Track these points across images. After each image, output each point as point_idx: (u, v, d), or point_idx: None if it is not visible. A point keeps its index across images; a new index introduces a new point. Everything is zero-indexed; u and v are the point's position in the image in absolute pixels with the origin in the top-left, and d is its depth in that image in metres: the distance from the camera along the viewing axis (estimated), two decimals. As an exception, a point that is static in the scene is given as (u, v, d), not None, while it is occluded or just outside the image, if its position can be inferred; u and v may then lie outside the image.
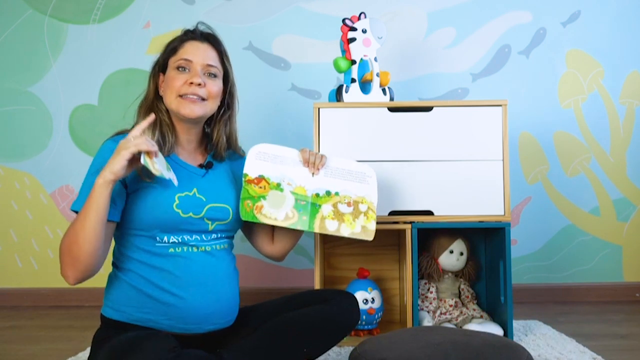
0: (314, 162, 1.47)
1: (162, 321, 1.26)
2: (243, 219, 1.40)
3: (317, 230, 1.43)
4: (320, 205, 1.43)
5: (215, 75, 1.39)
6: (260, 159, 1.44)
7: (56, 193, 2.58)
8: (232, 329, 1.39)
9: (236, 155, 1.52)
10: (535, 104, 2.52)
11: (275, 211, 1.40)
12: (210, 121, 1.46)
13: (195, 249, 1.31)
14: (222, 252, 1.37)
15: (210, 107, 1.39)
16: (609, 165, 2.53)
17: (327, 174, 1.47)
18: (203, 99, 1.36)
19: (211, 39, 1.41)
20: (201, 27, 1.44)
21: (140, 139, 1.17)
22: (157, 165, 1.19)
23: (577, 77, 2.53)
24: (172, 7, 2.56)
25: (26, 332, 2.08)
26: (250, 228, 1.53)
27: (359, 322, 1.87)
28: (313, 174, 1.45)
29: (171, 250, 1.29)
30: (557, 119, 2.52)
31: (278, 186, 1.41)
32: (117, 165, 1.15)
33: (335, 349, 1.73)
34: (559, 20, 2.53)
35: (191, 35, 1.40)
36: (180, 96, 1.34)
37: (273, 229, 1.53)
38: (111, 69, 2.56)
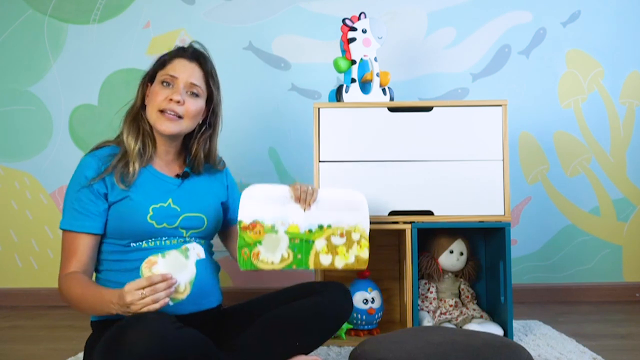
0: (304, 198, 1.45)
1: None
2: (242, 268, 1.41)
3: (312, 266, 1.43)
4: (313, 241, 1.43)
5: (197, 95, 1.41)
6: (253, 202, 1.42)
7: (56, 193, 2.58)
8: (222, 327, 1.40)
9: (214, 170, 1.54)
10: (535, 104, 2.52)
11: (272, 255, 1.41)
12: (190, 136, 1.48)
13: (168, 242, 1.36)
14: (197, 240, 1.41)
15: (186, 126, 1.41)
16: (609, 165, 2.53)
17: (318, 207, 1.45)
18: (180, 117, 1.38)
19: (200, 59, 1.43)
20: (195, 46, 1.46)
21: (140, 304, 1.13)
22: (183, 279, 1.19)
23: (577, 77, 2.53)
24: (172, 7, 2.56)
25: (26, 332, 2.08)
26: (226, 235, 1.57)
27: (358, 321, 1.88)
28: (304, 209, 1.44)
29: (144, 245, 1.34)
30: (557, 119, 2.52)
31: (272, 228, 1.41)
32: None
33: (335, 349, 1.73)
34: (559, 20, 2.53)
35: (182, 53, 1.43)
36: (160, 111, 1.37)
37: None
38: (111, 69, 2.56)
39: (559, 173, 2.53)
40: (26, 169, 2.59)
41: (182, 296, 1.17)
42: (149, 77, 1.44)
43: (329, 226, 1.44)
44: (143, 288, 1.11)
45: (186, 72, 1.39)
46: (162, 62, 1.42)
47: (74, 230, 1.30)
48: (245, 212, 1.42)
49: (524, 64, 2.53)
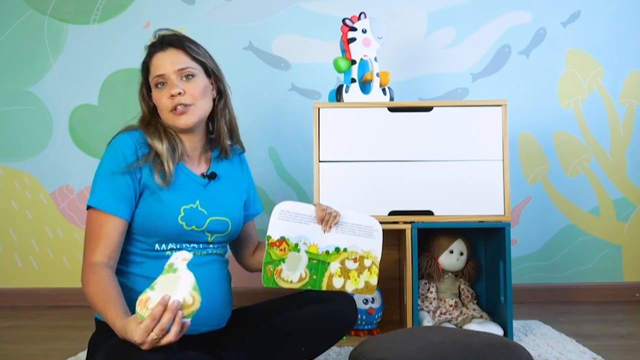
0: (327, 220, 1.45)
1: None
2: (265, 285, 1.40)
3: (324, 288, 1.45)
4: (329, 263, 1.45)
5: (192, 75, 1.34)
6: (283, 219, 1.44)
7: (56, 193, 2.58)
8: (230, 329, 1.39)
9: (238, 151, 1.51)
10: (535, 104, 2.52)
11: (292, 274, 1.42)
12: (212, 117, 1.43)
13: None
14: (216, 256, 1.38)
15: (202, 109, 1.36)
16: (609, 165, 2.53)
17: (338, 230, 1.48)
18: (190, 104, 1.33)
19: (172, 43, 1.36)
20: (161, 34, 1.40)
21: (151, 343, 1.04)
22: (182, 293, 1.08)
23: (577, 77, 2.53)
24: (172, 7, 2.56)
25: (26, 332, 2.08)
26: (237, 241, 1.53)
27: (358, 321, 1.88)
28: (325, 231, 1.46)
29: (168, 253, 1.29)
30: (557, 119, 2.52)
31: (296, 247, 1.43)
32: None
33: (335, 349, 1.73)
34: (559, 20, 2.53)
35: (154, 48, 1.37)
36: (170, 112, 1.33)
37: (257, 245, 1.56)
38: (111, 69, 2.56)
39: (559, 173, 2.53)
40: (26, 169, 2.59)
41: (196, 306, 1.08)
42: (145, 87, 1.39)
43: (345, 249, 1.47)
44: (152, 329, 1.02)
45: (167, 63, 1.33)
46: (146, 68, 1.37)
47: (107, 211, 1.23)
48: (274, 228, 1.42)
49: (524, 64, 2.53)
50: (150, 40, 1.40)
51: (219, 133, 1.42)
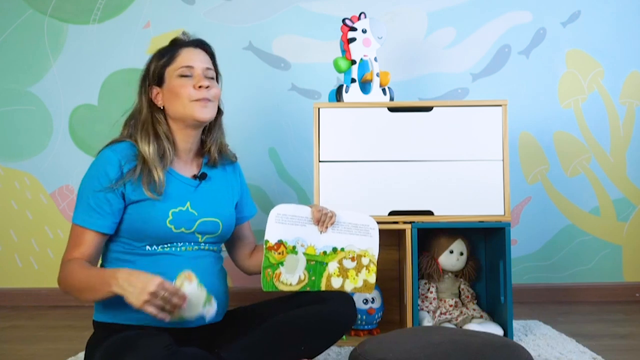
0: (324, 221, 1.47)
1: (155, 318, 1.27)
2: (264, 289, 1.42)
3: (323, 288, 1.46)
4: (327, 264, 1.47)
5: (213, 78, 1.41)
6: (280, 222, 1.45)
7: (56, 193, 2.58)
8: (229, 328, 1.40)
9: (228, 161, 1.52)
10: (535, 104, 2.52)
11: (291, 276, 1.44)
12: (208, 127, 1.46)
13: (183, 249, 1.35)
14: (209, 252, 1.40)
15: (215, 109, 1.41)
16: (609, 165, 2.52)
17: (334, 230, 1.49)
18: (212, 101, 1.37)
19: (203, 44, 1.42)
20: (185, 36, 1.44)
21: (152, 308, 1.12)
22: (187, 312, 1.18)
23: (577, 77, 2.53)
24: (172, 7, 2.56)
25: (26, 332, 2.08)
26: (233, 243, 1.55)
27: (358, 321, 1.88)
28: (321, 231, 1.47)
29: (159, 250, 1.32)
30: (557, 119, 2.52)
31: (293, 249, 1.45)
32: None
33: (335, 349, 1.73)
34: (559, 20, 2.53)
35: (185, 43, 1.40)
36: (194, 101, 1.35)
37: (254, 247, 1.58)
38: (111, 69, 2.56)
39: (559, 173, 2.53)
40: (26, 169, 2.59)
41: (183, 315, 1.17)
42: (154, 79, 1.38)
43: (342, 249, 1.48)
44: (167, 292, 1.10)
45: (198, 59, 1.37)
46: (170, 58, 1.37)
47: (85, 226, 1.28)
48: (272, 232, 1.43)
49: (524, 64, 2.53)
50: (179, 37, 1.43)
51: (211, 147, 1.45)
